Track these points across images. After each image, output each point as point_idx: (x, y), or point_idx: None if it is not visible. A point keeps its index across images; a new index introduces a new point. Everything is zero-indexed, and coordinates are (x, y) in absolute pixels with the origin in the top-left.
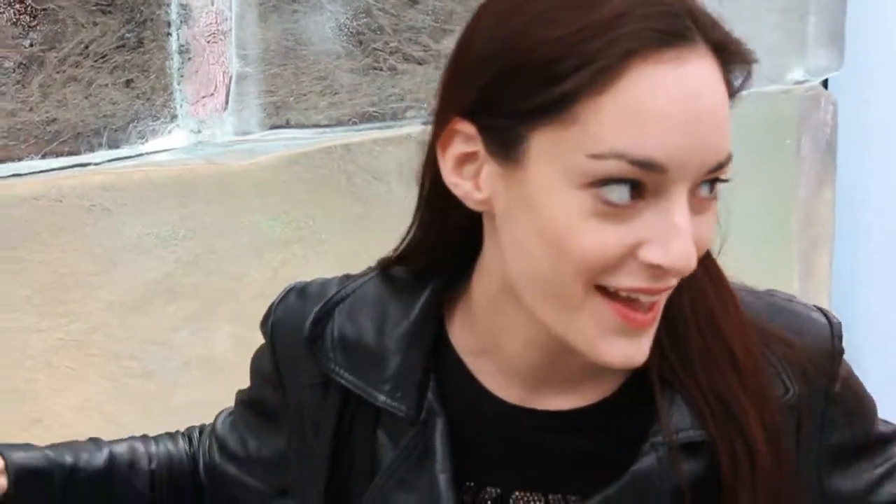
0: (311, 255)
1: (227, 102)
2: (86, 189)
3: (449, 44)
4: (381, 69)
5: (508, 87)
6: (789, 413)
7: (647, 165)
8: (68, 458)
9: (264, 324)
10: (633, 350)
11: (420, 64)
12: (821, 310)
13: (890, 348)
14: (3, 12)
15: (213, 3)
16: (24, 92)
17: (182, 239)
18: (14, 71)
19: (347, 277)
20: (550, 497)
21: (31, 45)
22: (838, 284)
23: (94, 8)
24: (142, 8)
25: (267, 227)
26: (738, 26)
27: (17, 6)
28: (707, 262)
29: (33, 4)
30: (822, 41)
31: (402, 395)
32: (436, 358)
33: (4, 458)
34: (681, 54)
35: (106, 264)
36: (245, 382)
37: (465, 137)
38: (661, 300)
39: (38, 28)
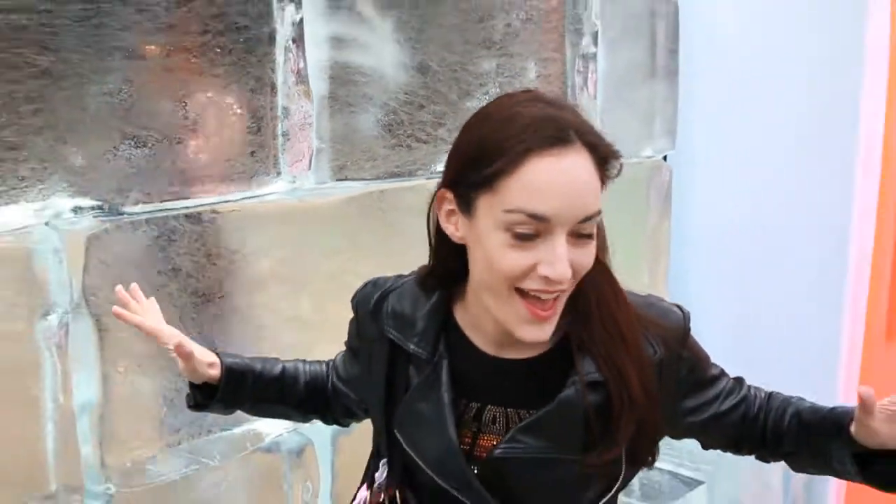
0: (359, 258)
1: (310, 165)
2: (227, 215)
3: (443, 132)
4: (402, 146)
5: (467, 171)
6: (656, 367)
7: (537, 217)
8: (258, 366)
9: (352, 300)
10: (539, 333)
11: (425, 143)
12: (678, 306)
13: (703, 328)
14: (179, 110)
15: (302, 107)
16: (191, 159)
17: (282, 247)
18: (184, 146)
19: (399, 276)
20: (509, 410)
21: (193, 129)
22: (672, 285)
23: (231, 105)
24: (259, 110)
25: (333, 241)
26: (616, 127)
27: (184, 104)
28: (605, 274)
29: (192, 103)
30: (662, 133)
31: (424, 345)
32: (445, 326)
33: (220, 360)
34: (561, 151)
35: (239, 262)
36: (319, 335)
37: (448, 201)
38: (560, 299)
39: (194, 117)
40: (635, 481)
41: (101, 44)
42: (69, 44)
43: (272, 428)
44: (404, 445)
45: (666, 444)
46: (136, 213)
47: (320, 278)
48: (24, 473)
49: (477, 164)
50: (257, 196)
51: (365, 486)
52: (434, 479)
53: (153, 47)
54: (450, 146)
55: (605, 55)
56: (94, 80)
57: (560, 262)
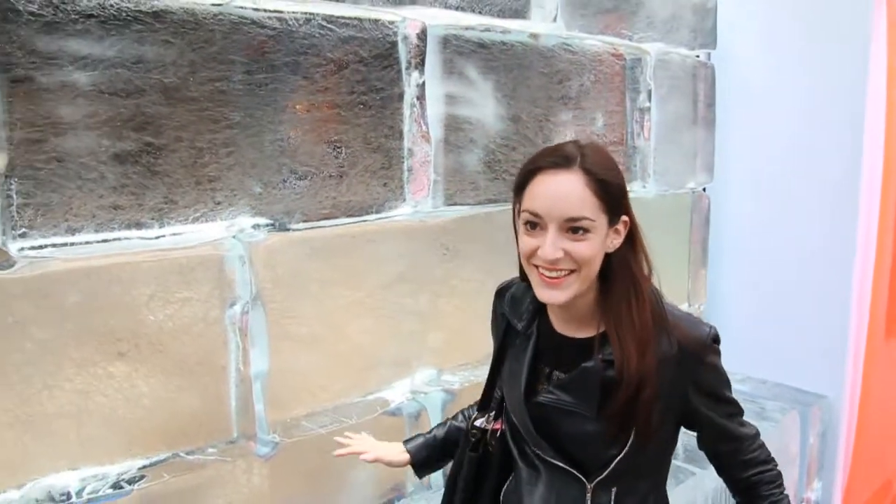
0: (466, 262)
1: (428, 193)
2: (365, 232)
3: None
4: (499, 179)
5: (516, 185)
6: (671, 359)
7: (535, 214)
8: (430, 436)
9: (495, 294)
10: (553, 295)
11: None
12: (709, 324)
13: (732, 322)
14: (331, 151)
15: (423, 149)
16: (339, 189)
17: (407, 255)
18: (334, 179)
19: (514, 280)
20: (563, 375)
21: (341, 166)
22: (710, 286)
23: (370, 148)
24: (391, 151)
25: (445, 249)
26: (666, 165)
27: (335, 147)
28: (636, 285)
29: (341, 146)
30: (703, 169)
31: (526, 324)
32: (540, 313)
33: (406, 447)
34: (558, 171)
35: (374, 267)
36: (432, 324)
37: (519, 208)
38: (568, 277)
39: (342, 157)
40: (679, 446)
41: (275, 103)
42: (253, 103)
43: (395, 396)
44: (504, 395)
45: None
46: (299, 229)
47: (435, 278)
48: (215, 423)
49: (518, 180)
50: (388, 217)
51: (480, 413)
52: (513, 419)
53: (313, 105)
54: None
55: (657, 108)
56: (270, 130)
57: (547, 246)
